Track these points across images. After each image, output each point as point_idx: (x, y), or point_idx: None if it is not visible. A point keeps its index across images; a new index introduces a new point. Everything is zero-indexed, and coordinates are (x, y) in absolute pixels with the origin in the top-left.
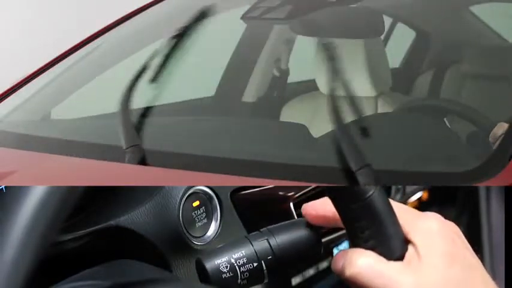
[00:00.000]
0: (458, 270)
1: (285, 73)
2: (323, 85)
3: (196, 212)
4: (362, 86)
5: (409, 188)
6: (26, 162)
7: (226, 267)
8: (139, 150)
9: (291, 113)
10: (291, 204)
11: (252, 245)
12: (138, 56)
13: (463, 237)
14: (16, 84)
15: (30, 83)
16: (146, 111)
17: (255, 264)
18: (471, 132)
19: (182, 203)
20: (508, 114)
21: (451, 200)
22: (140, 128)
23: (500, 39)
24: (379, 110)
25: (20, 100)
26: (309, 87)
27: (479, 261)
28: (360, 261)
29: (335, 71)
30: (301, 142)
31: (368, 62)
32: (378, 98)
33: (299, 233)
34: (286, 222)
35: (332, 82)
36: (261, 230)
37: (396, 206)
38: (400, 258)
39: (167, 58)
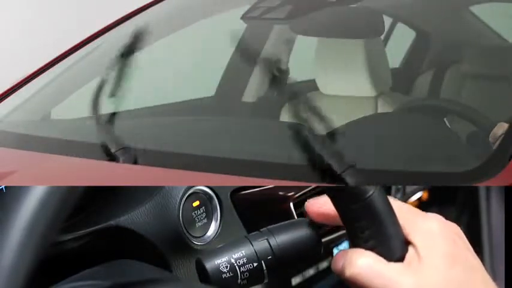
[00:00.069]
0: (459, 272)
1: (285, 73)
2: (323, 85)
3: (196, 212)
4: (362, 86)
5: (409, 188)
6: (26, 162)
7: (226, 267)
8: (136, 151)
9: (291, 113)
10: (291, 204)
11: (252, 245)
12: (138, 56)
13: (465, 238)
14: (16, 84)
15: (30, 83)
16: (146, 112)
17: (255, 264)
18: (471, 132)
19: (182, 203)
20: (508, 114)
21: (451, 200)
22: (140, 128)
23: (500, 39)
24: (379, 110)
25: (20, 100)
26: (309, 87)
27: (480, 263)
28: (359, 262)
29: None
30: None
31: (368, 62)
32: (378, 98)
33: (299, 233)
34: (286, 222)
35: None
36: (261, 230)
37: (398, 205)
38: (401, 259)
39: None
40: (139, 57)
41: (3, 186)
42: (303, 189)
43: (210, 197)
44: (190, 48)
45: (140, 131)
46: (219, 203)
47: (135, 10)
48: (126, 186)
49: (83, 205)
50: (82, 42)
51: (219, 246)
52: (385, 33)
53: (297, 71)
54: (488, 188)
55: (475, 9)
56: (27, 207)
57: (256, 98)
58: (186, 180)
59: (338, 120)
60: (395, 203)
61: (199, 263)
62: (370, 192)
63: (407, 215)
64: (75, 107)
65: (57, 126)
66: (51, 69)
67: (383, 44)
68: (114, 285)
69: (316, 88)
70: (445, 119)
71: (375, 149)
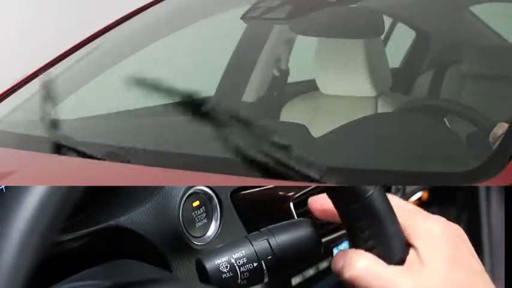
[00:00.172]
0: (460, 275)
1: (285, 73)
2: (323, 85)
3: (196, 212)
4: (362, 86)
5: (409, 188)
6: (26, 162)
7: (226, 267)
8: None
9: (291, 113)
10: (291, 204)
11: (252, 245)
12: (137, 56)
13: (467, 240)
14: (16, 84)
15: (30, 83)
16: (146, 112)
17: (255, 264)
18: (471, 132)
19: (182, 203)
20: (508, 114)
21: (451, 200)
22: (140, 128)
23: (500, 39)
24: (379, 110)
25: (20, 100)
26: (309, 87)
27: (481, 265)
28: (359, 264)
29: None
30: (301, 142)
31: (368, 62)
32: (378, 98)
33: (299, 233)
34: (286, 222)
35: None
36: (261, 230)
37: (402, 205)
38: (401, 261)
39: None
40: (140, 57)
41: (3, 186)
42: (303, 189)
43: (210, 197)
44: (190, 48)
45: (140, 131)
46: (219, 203)
47: (135, 10)
48: (126, 186)
49: (83, 205)
50: (82, 42)
51: (219, 246)
52: (385, 33)
53: (297, 71)
54: (488, 188)
55: (475, 9)
56: (27, 207)
57: (256, 98)
58: (186, 180)
59: (338, 120)
60: (399, 203)
61: (199, 263)
62: (370, 192)
63: (411, 216)
64: (75, 107)
65: (57, 126)
66: (51, 69)
67: (383, 44)
68: (114, 285)
69: (316, 88)
70: (445, 119)
71: (375, 149)
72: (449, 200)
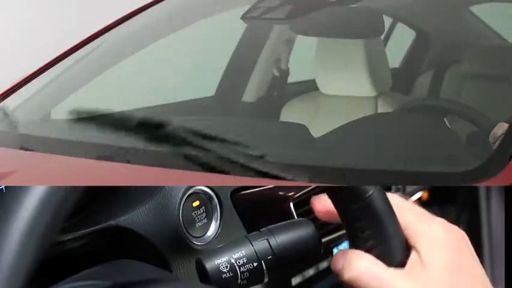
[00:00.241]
0: (461, 280)
1: (285, 73)
2: (323, 85)
3: (196, 212)
4: (362, 86)
5: (409, 188)
6: (26, 162)
7: (226, 267)
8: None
9: (291, 113)
10: (291, 204)
11: (252, 245)
12: (137, 56)
13: (469, 243)
14: (16, 84)
15: (30, 83)
16: (146, 112)
17: (255, 264)
18: (471, 132)
19: (182, 203)
20: (508, 114)
21: (451, 200)
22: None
23: (500, 39)
24: (379, 110)
25: (20, 100)
26: (309, 87)
27: (482, 270)
28: (359, 265)
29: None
30: (301, 142)
31: (368, 62)
32: (378, 98)
33: (299, 233)
34: (286, 222)
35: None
36: (261, 230)
37: (407, 206)
38: (402, 263)
39: None
40: (140, 57)
41: (3, 186)
42: (303, 189)
43: (210, 197)
44: (190, 48)
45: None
46: (219, 203)
47: (135, 10)
48: (126, 186)
49: (83, 205)
50: (82, 42)
51: (219, 246)
52: (385, 33)
53: (297, 71)
54: (488, 188)
55: (475, 9)
56: (27, 207)
57: (256, 98)
58: (186, 180)
59: (338, 120)
60: (405, 204)
61: (199, 263)
62: (370, 192)
63: (415, 218)
64: (75, 107)
65: (57, 126)
66: (51, 69)
67: (383, 44)
68: (114, 285)
69: (316, 88)
70: (445, 119)
71: (375, 149)
72: (449, 200)
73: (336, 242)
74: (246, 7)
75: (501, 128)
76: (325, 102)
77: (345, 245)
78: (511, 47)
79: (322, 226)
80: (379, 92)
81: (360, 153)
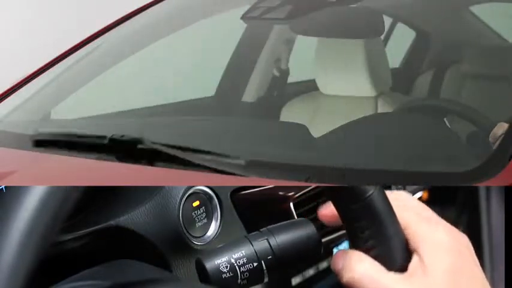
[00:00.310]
0: (462, 285)
1: (285, 73)
2: (323, 85)
3: (196, 212)
4: (362, 86)
5: (409, 188)
6: (26, 162)
7: (226, 267)
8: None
9: (291, 113)
10: (291, 204)
11: (252, 245)
12: (137, 56)
13: (472, 250)
14: (16, 84)
15: (30, 83)
16: (146, 112)
17: (255, 264)
18: (471, 132)
19: (182, 203)
20: (508, 114)
21: (451, 200)
22: (140, 127)
23: (500, 39)
24: (379, 110)
25: (20, 100)
26: (309, 87)
27: (483, 274)
28: (358, 267)
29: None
30: (301, 142)
31: (368, 62)
32: (378, 98)
33: (299, 233)
34: (286, 222)
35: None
36: (261, 230)
37: (413, 205)
38: (404, 267)
39: None
40: (140, 57)
41: (3, 186)
42: (303, 189)
43: (210, 197)
44: (190, 48)
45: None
46: (219, 203)
47: (135, 10)
48: (126, 186)
49: (83, 205)
50: (82, 42)
51: (219, 246)
52: (385, 33)
53: (297, 71)
54: (488, 188)
55: (475, 9)
56: (27, 207)
57: (256, 98)
58: (186, 180)
59: (338, 120)
60: (412, 202)
61: (199, 263)
62: (370, 192)
63: (414, 218)
64: (75, 107)
65: (57, 126)
66: (51, 69)
67: (383, 44)
68: (114, 285)
69: (316, 88)
70: (445, 119)
71: (375, 149)
72: (449, 200)
73: (336, 242)
74: (246, 7)
75: (501, 128)
76: (325, 102)
77: (345, 245)
78: (511, 47)
79: (322, 226)
80: (379, 92)
81: (360, 153)
